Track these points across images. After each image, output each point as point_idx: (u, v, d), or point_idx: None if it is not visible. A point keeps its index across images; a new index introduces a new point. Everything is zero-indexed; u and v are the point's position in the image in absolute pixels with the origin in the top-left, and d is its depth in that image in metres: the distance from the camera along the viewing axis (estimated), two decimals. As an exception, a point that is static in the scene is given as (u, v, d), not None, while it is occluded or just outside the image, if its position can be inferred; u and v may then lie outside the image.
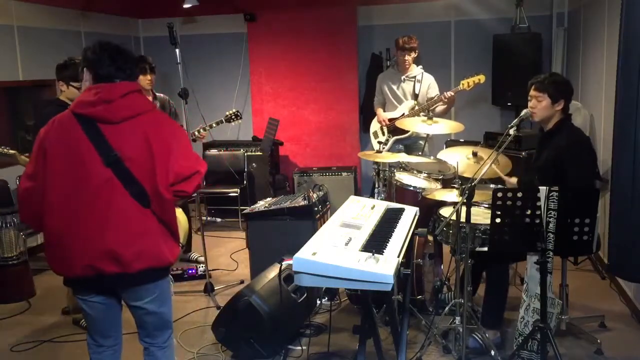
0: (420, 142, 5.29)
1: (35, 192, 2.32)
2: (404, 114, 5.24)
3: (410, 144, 5.37)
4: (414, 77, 5.30)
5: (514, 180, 3.72)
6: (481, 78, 4.97)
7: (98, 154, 2.27)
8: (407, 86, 5.32)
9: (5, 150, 4.13)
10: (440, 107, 5.15)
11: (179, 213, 2.59)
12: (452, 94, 5.06)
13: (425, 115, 4.56)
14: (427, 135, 5.01)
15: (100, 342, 2.56)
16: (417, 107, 5.20)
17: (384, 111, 5.48)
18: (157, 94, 4.97)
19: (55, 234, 2.34)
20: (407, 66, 5.27)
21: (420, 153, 5.19)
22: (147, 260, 2.33)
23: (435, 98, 5.15)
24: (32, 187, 2.33)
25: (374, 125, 5.65)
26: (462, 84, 5.01)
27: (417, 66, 5.35)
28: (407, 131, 5.19)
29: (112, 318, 2.54)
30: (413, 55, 5.24)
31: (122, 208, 2.29)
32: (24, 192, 2.36)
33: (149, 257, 2.33)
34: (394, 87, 5.36)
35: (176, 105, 5.09)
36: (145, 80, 4.69)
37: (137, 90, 2.40)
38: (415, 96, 5.28)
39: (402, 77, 5.32)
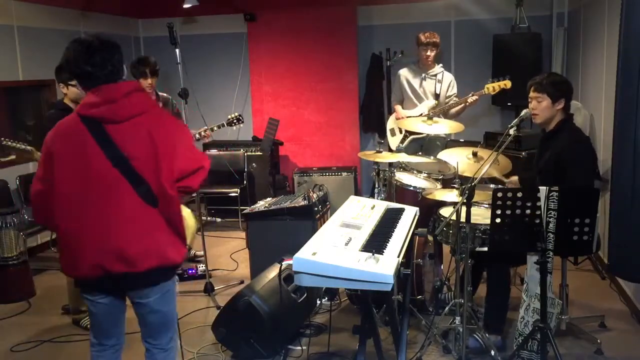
0: (438, 142, 5.20)
1: (46, 194, 2.35)
2: (422, 113, 5.13)
3: (427, 142, 5.22)
4: (435, 75, 5.19)
5: (515, 178, 3.71)
6: (507, 83, 4.84)
7: (105, 155, 2.28)
8: (429, 85, 5.20)
9: (22, 145, 4.16)
10: (456, 108, 5.08)
11: (188, 214, 2.59)
12: (477, 97, 4.96)
13: (426, 114, 4.54)
14: (446, 135, 4.93)
15: (102, 341, 2.56)
16: (438, 108, 5.10)
17: (403, 108, 5.35)
18: (159, 93, 4.97)
19: (66, 236, 2.36)
20: (430, 62, 5.16)
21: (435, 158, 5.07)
22: (153, 260, 2.34)
23: (459, 100, 5.05)
24: (43, 190, 2.36)
25: (391, 123, 5.52)
26: (487, 88, 4.89)
27: (438, 64, 5.27)
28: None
29: (117, 318, 2.55)
30: (435, 51, 5.13)
31: (130, 208, 2.30)
32: (35, 195, 2.39)
33: (155, 256, 2.34)
34: (415, 84, 5.23)
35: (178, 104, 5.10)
36: (145, 83, 4.70)
37: (139, 89, 2.41)
38: (436, 96, 5.17)
39: (424, 75, 5.21)
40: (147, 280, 2.40)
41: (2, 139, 4.30)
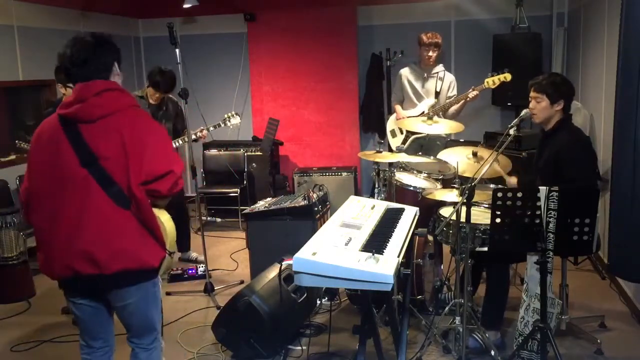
0: (438, 142, 5.20)
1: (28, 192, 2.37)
2: (423, 112, 5.12)
3: (428, 142, 5.21)
4: (437, 74, 5.17)
5: (513, 180, 3.71)
6: (507, 76, 4.81)
7: (75, 154, 2.26)
8: (430, 84, 5.18)
9: (27, 146, 4.15)
10: (455, 106, 5.07)
11: (166, 219, 2.52)
12: (477, 92, 4.94)
13: (426, 114, 4.54)
14: (446, 135, 4.93)
15: (90, 343, 2.56)
16: (437, 106, 5.09)
17: (402, 108, 5.34)
18: (171, 96, 5.07)
19: (40, 234, 2.37)
20: (432, 62, 5.14)
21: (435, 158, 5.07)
22: (123, 262, 2.30)
23: (460, 96, 5.03)
24: (26, 187, 2.38)
25: (391, 124, 5.51)
26: (487, 82, 4.86)
27: (439, 64, 5.25)
28: None
29: (101, 321, 2.53)
30: (438, 51, 5.12)
31: (99, 208, 2.27)
32: (22, 192, 2.41)
33: (125, 259, 2.30)
34: (417, 84, 5.22)
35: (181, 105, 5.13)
36: (150, 92, 4.83)
37: (114, 88, 2.34)
38: (436, 94, 5.15)
39: (425, 75, 5.20)
40: (119, 282, 2.35)
41: (17, 141, 4.32)
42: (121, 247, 2.29)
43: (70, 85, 3.82)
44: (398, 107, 5.37)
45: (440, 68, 5.21)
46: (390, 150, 5.23)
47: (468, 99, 4.97)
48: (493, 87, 4.91)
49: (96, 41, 2.32)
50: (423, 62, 5.19)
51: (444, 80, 5.16)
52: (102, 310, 2.51)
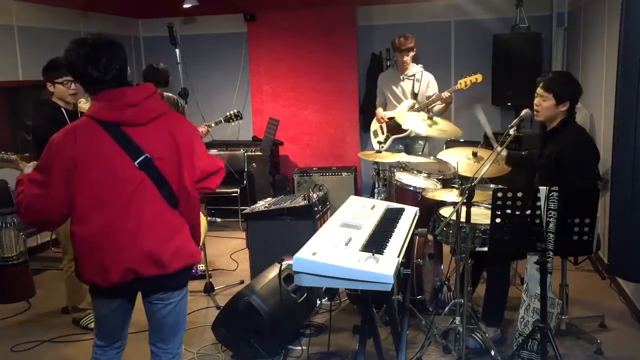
0: (420, 141, 5.31)
1: (45, 200, 2.25)
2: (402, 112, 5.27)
3: (410, 143, 5.39)
4: (413, 75, 5.32)
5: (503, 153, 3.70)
6: (478, 77, 5.02)
7: (129, 157, 2.26)
8: (407, 85, 5.35)
9: (5, 155, 4.09)
10: (438, 107, 5.20)
11: (201, 215, 2.61)
12: (449, 93, 5.11)
13: (427, 115, 4.56)
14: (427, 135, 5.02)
15: (107, 342, 2.54)
16: (416, 106, 5.22)
17: (385, 111, 5.51)
18: (164, 93, 5.07)
19: (88, 243, 2.29)
20: (407, 66, 5.31)
21: (420, 153, 5.20)
22: (183, 259, 2.36)
23: (433, 97, 5.19)
24: (42, 194, 2.25)
25: (374, 125, 5.67)
26: (460, 84, 5.05)
27: (417, 65, 5.37)
28: (406, 130, 5.21)
29: (125, 321, 2.54)
30: (411, 54, 5.27)
31: (156, 209, 2.30)
32: (32, 198, 2.27)
33: (184, 255, 2.37)
34: (394, 87, 5.39)
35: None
36: None
37: (156, 91, 2.42)
38: (414, 95, 5.31)
39: (401, 76, 5.35)
40: (176, 281, 2.41)
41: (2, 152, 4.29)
42: (179, 245, 2.35)
43: (59, 82, 3.83)
44: (379, 110, 5.57)
45: (417, 69, 5.34)
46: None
47: (442, 99, 5.13)
48: (465, 88, 5.11)
49: (117, 44, 2.31)
50: (398, 65, 5.34)
51: (422, 81, 5.31)
52: (130, 311, 2.52)
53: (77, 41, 2.29)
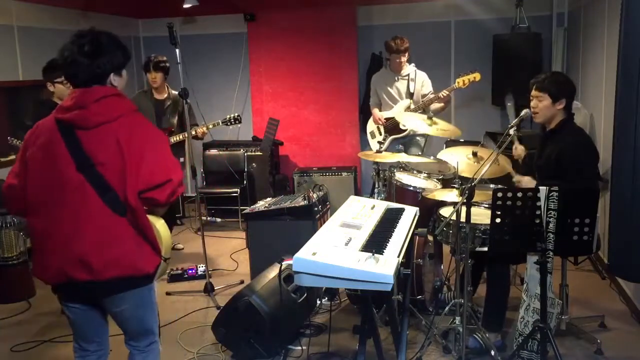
0: (418, 138, 5.31)
1: (16, 190, 2.34)
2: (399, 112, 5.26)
3: (408, 142, 5.39)
4: (407, 75, 5.33)
5: (526, 180, 3.58)
6: (476, 76, 5.01)
7: (72, 158, 2.24)
8: (401, 85, 5.35)
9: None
10: (436, 105, 5.21)
11: (160, 225, 2.49)
12: (447, 92, 5.11)
13: (426, 115, 4.56)
14: (424, 134, 5.05)
15: (84, 346, 2.55)
16: (412, 106, 5.22)
17: (380, 111, 5.51)
18: (172, 91, 5.14)
19: (36, 236, 2.36)
20: (403, 67, 5.31)
21: (420, 153, 5.21)
22: (118, 269, 2.28)
23: (431, 97, 5.19)
24: (14, 185, 2.35)
25: (370, 126, 5.68)
26: (458, 82, 5.05)
27: (410, 64, 5.37)
28: (404, 130, 5.22)
29: (95, 324, 2.52)
30: (407, 55, 5.27)
31: (94, 215, 2.25)
32: (7, 188, 2.37)
33: (120, 265, 2.28)
34: (388, 87, 5.39)
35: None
36: (150, 77, 4.85)
37: (114, 94, 2.32)
38: (410, 95, 5.31)
39: (396, 77, 5.35)
40: (113, 289, 2.34)
41: (10, 138, 4.31)
42: (116, 254, 2.27)
43: (59, 81, 3.84)
44: (375, 111, 5.55)
45: (411, 69, 5.36)
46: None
47: (441, 97, 5.13)
48: (463, 87, 5.11)
49: (104, 45, 2.30)
50: (393, 67, 5.34)
51: (416, 81, 5.31)
52: (96, 315, 2.50)
53: (75, 34, 2.31)
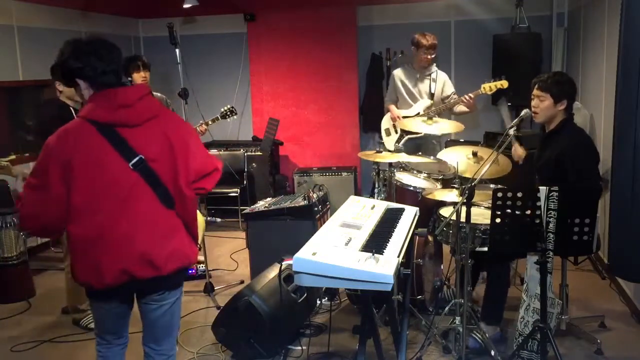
0: (434, 141, 5.18)
1: (44, 203, 2.24)
2: (419, 112, 5.11)
3: (423, 142, 5.17)
4: (430, 74, 5.17)
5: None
6: (504, 83, 4.84)
7: (123, 158, 2.25)
8: (424, 85, 5.18)
9: None
10: (460, 108, 5.05)
11: (198, 214, 2.60)
12: (472, 96, 4.94)
13: (425, 115, 4.55)
14: (442, 135, 4.92)
15: (109, 339, 2.55)
16: (433, 107, 5.10)
17: (397, 109, 5.31)
18: (154, 93, 5.00)
19: (83, 243, 2.29)
20: (428, 64, 5.13)
21: (432, 157, 5.07)
22: (178, 261, 2.36)
23: (452, 100, 5.05)
24: (41, 198, 2.24)
25: (386, 122, 5.49)
26: (484, 88, 4.89)
27: (433, 63, 5.23)
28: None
29: (124, 321, 2.54)
30: (435, 53, 5.11)
31: (151, 211, 2.30)
32: (32, 203, 2.26)
33: (179, 257, 2.36)
34: (410, 85, 5.20)
35: (176, 104, 5.11)
36: (139, 77, 4.75)
37: (150, 92, 2.42)
38: (431, 95, 5.15)
39: (418, 75, 5.18)
40: (171, 282, 2.41)
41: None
42: (174, 247, 2.34)
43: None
44: (392, 107, 5.35)
45: (433, 68, 5.20)
46: (387, 149, 5.23)
47: (464, 101, 4.97)
48: (490, 92, 4.95)
49: (105, 45, 2.32)
50: (419, 63, 5.15)
51: (437, 81, 5.16)
52: (129, 311, 2.52)
53: (71, 41, 2.31)
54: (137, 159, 2.27)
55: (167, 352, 2.55)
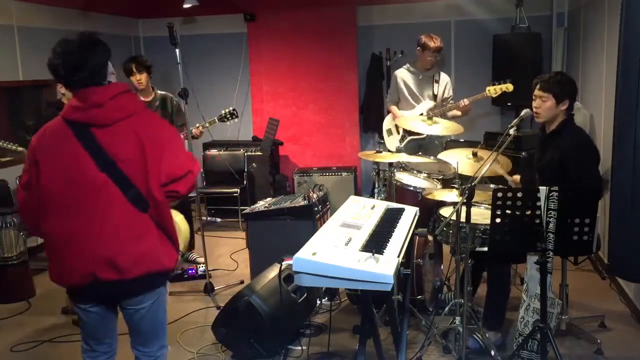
0: (437, 142, 5.18)
1: (30, 200, 2.30)
2: (422, 114, 5.09)
3: (426, 143, 5.18)
4: (432, 76, 5.17)
5: (517, 177, 3.71)
6: (509, 86, 4.84)
7: (92, 159, 2.22)
8: (426, 85, 5.18)
9: (12, 146, 4.11)
10: (453, 112, 5.06)
11: (180, 220, 2.54)
12: (468, 102, 4.96)
13: (425, 115, 4.55)
14: (444, 135, 4.92)
15: (94, 347, 2.53)
16: (435, 109, 5.09)
17: (399, 109, 5.31)
18: (158, 92, 4.99)
19: (52, 241, 2.32)
20: (433, 66, 5.13)
21: (433, 158, 5.07)
22: (144, 266, 2.29)
23: (452, 104, 5.06)
24: (27, 196, 2.31)
25: (388, 123, 5.47)
26: (489, 90, 4.88)
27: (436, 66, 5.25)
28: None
29: (109, 326, 2.52)
30: (440, 55, 5.13)
31: (120, 213, 2.24)
32: (20, 202, 2.35)
33: (146, 262, 2.29)
34: (412, 86, 5.19)
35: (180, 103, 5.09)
36: (134, 80, 4.74)
37: (126, 90, 2.34)
38: (433, 97, 5.16)
39: (420, 76, 5.17)
40: (138, 287, 2.35)
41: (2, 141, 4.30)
42: (143, 251, 2.28)
43: None
44: (394, 108, 5.34)
45: (435, 69, 5.20)
46: (388, 150, 5.22)
47: (462, 105, 5.00)
48: (494, 95, 4.93)
49: (83, 44, 2.29)
50: (423, 64, 5.13)
51: (440, 83, 5.16)
52: (111, 316, 2.49)
53: (59, 42, 2.34)
54: (105, 159, 2.23)
55: (154, 353, 2.54)
